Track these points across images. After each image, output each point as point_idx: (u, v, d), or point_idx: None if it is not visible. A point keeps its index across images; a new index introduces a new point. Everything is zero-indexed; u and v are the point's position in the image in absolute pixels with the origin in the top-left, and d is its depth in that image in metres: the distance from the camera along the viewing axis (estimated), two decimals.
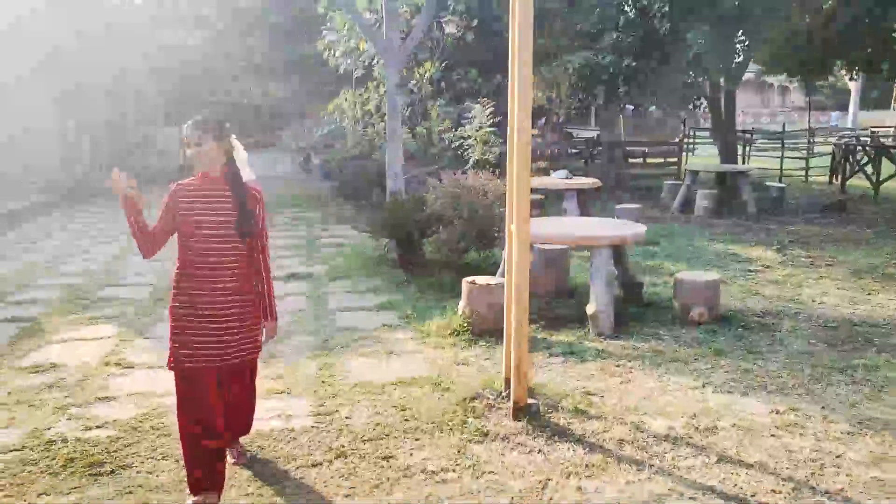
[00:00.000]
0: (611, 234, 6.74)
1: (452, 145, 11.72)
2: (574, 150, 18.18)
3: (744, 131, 19.70)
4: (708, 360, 5.48)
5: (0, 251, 9.98)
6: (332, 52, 14.09)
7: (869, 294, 7.46)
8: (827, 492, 3.52)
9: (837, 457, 3.88)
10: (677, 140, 18.90)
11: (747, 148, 19.85)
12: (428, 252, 8.67)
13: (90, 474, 3.75)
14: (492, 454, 3.94)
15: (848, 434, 4.15)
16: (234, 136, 3.48)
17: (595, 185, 11.50)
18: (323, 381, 5.06)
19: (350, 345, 5.93)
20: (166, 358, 3.43)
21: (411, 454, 3.95)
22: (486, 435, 4.16)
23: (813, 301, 7.20)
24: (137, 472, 3.76)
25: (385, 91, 10.86)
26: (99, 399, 4.74)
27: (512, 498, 3.49)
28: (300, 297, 7.54)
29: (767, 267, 8.87)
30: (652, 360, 5.49)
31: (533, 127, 21.68)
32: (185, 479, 3.47)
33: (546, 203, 12.00)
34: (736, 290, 7.68)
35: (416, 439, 4.13)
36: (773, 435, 4.15)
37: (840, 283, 7.91)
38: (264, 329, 3.64)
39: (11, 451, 4.01)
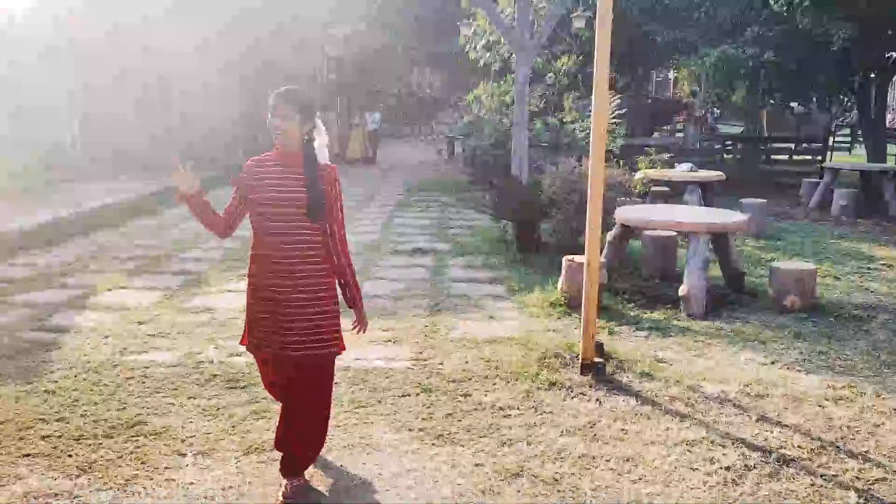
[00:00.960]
0: (709, 221, 7.09)
1: (579, 136, 12.18)
2: (716, 145, 18.01)
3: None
4: (785, 341, 5.78)
5: (179, 219, 11.46)
6: (473, 45, 14.88)
7: None
8: (850, 451, 3.89)
9: (875, 426, 4.20)
10: (822, 137, 18.27)
11: None
12: (544, 234, 9.25)
13: (228, 387, 4.71)
14: (554, 399, 4.56)
15: (894, 410, 4.43)
16: (318, 117, 3.35)
17: (719, 178, 11.61)
18: (426, 336, 5.84)
19: (457, 309, 6.67)
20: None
21: (486, 394, 4.64)
22: (553, 384, 4.77)
23: None
24: (263, 390, 4.67)
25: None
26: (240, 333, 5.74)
27: (561, 431, 4.10)
28: (421, 269, 8.36)
29: (889, 266, 8.78)
30: (731, 338, 5.86)
31: (669, 122, 21.54)
32: None
33: (671, 195, 12.20)
34: (844, 284, 7.76)
35: (494, 384, 4.81)
36: (819, 405, 4.50)
37: None
38: (353, 324, 3.46)
39: (171, 367, 5.05)
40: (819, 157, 17.20)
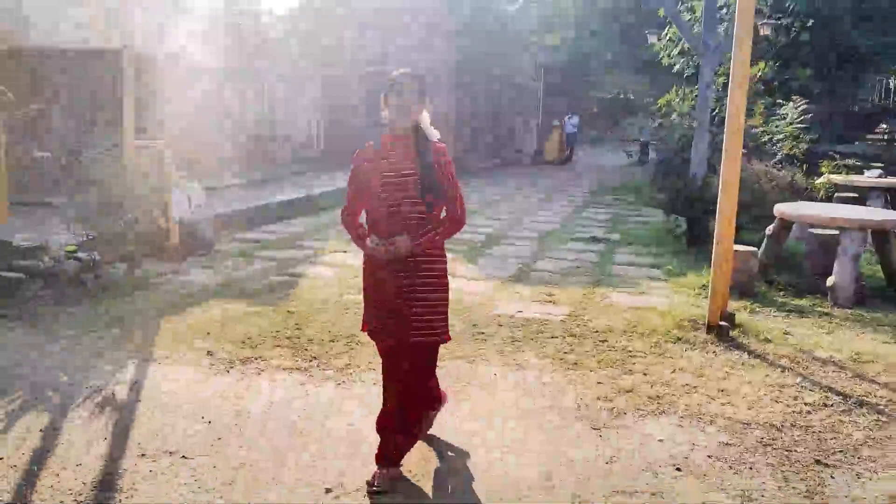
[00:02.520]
0: (863, 217, 7.53)
1: (766, 140, 12.53)
2: None
3: None
4: None
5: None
6: (667, 52, 15.52)
7: None
8: None
9: None
10: None
11: None
12: (710, 228, 9.90)
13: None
14: (677, 349, 5.49)
15: None
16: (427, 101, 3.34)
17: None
18: (582, 301, 6.90)
19: (615, 284, 7.66)
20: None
21: (621, 342, 5.65)
22: (679, 339, 5.69)
23: None
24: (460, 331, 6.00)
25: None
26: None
27: (675, 369, 5.05)
28: (593, 254, 9.39)
29: None
30: (866, 323, 6.39)
31: (869, 130, 20.59)
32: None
33: (858, 200, 12.20)
34: None
35: (630, 336, 5.80)
36: None
37: None
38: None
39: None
40: None
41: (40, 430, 3.91)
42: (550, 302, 6.84)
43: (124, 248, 7.44)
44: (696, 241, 9.79)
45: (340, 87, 19.52)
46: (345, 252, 8.92)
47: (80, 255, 6.83)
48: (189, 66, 12.53)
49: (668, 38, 15.06)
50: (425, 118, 3.31)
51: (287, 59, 17.29)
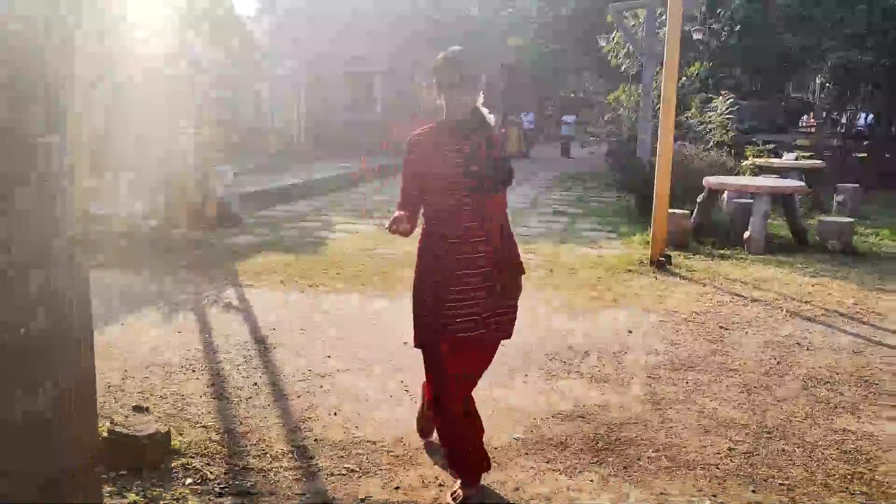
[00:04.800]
0: (770, 185, 9.54)
1: (697, 128, 14.58)
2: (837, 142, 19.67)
3: None
4: (811, 266, 8.19)
5: (373, 192, 15.03)
6: (615, 54, 17.52)
7: None
8: (796, 300, 6.46)
9: (827, 295, 6.72)
10: None
11: None
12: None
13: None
14: (629, 276, 7.40)
15: (846, 291, 6.90)
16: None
17: (817, 166, 13.67)
18: (554, 251, 8.77)
19: (579, 242, 9.56)
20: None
21: (587, 273, 7.52)
22: (630, 270, 7.60)
23: None
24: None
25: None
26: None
27: (627, 286, 6.94)
28: (559, 224, 11.29)
29: None
30: (771, 262, 8.37)
31: (796, 122, 23.02)
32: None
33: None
34: (891, 242, 9.88)
35: (593, 270, 7.68)
36: (801, 286, 7.05)
37: None
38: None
39: (390, 256, 8.30)
40: None
41: (196, 320, 5.62)
42: (530, 252, 8.68)
43: (176, 217, 9.09)
44: (644, 212, 11.72)
45: (323, 85, 21.24)
46: (354, 223, 10.66)
47: (151, 221, 8.47)
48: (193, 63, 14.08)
49: (615, 41, 17.05)
50: (479, 102, 3.03)
51: (276, 59, 18.90)
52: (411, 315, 3.12)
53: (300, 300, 6.35)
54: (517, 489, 3.27)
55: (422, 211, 3.07)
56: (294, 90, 20.94)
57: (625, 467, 3.49)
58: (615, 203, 13.07)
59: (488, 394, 4.15)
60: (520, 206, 13.20)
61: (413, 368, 4.76)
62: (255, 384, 4.41)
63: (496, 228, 3.06)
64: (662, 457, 3.60)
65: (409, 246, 7.20)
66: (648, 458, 3.59)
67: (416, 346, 3.14)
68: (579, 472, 3.44)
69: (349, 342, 5.26)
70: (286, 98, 20.27)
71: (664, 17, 14.13)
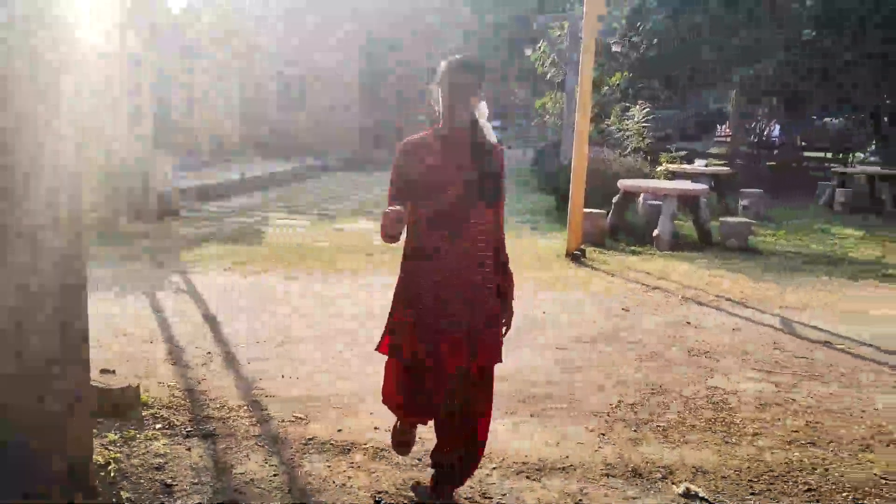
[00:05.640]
0: (678, 188, 10.44)
1: (616, 135, 15.54)
2: (750, 150, 21.04)
3: None
4: (711, 261, 9.08)
5: (312, 187, 15.49)
6: (542, 62, 18.40)
7: (880, 251, 10.44)
8: (695, 289, 7.29)
9: (720, 285, 7.58)
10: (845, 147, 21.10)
11: None
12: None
13: (367, 256, 8.44)
14: (551, 265, 8.13)
15: (737, 282, 7.78)
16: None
17: (727, 172, 14.78)
18: None
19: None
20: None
21: (515, 262, 8.19)
22: (550, 262, 8.33)
23: (838, 251, 10.34)
24: (392, 261, 8.39)
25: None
26: (369, 239, 9.52)
27: (549, 275, 7.65)
28: None
29: (841, 238, 11.83)
30: (676, 258, 9.22)
31: (710, 131, 24.41)
32: None
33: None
34: (789, 242, 10.89)
35: (520, 260, 8.33)
36: (700, 278, 7.89)
37: (867, 246, 10.88)
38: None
39: (326, 247, 8.83)
40: (837, 163, 19.99)
41: (149, 302, 6.06)
42: None
43: (120, 210, 9.42)
44: (564, 211, 12.49)
45: (257, 84, 21.53)
46: (291, 219, 11.13)
47: (93, 214, 8.79)
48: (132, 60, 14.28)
49: (542, 50, 17.93)
50: (483, 112, 2.94)
51: (210, 57, 19.11)
52: (387, 326, 3.10)
53: (247, 283, 6.85)
54: None
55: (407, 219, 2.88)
56: (227, 88, 21.14)
57: (532, 415, 4.14)
58: (539, 203, 13.86)
59: None
60: None
61: (354, 340, 5.34)
62: (209, 353, 4.92)
63: (492, 242, 2.98)
64: (565, 408, 4.28)
65: (346, 240, 7.88)
66: (553, 408, 4.26)
67: (404, 357, 3.02)
68: (496, 419, 4.07)
69: (294, 318, 5.80)
70: (219, 96, 20.46)
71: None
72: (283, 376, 4.57)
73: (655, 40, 17.73)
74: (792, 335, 5.89)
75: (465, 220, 2.86)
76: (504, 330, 3.06)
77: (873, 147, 22.07)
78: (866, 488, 3.44)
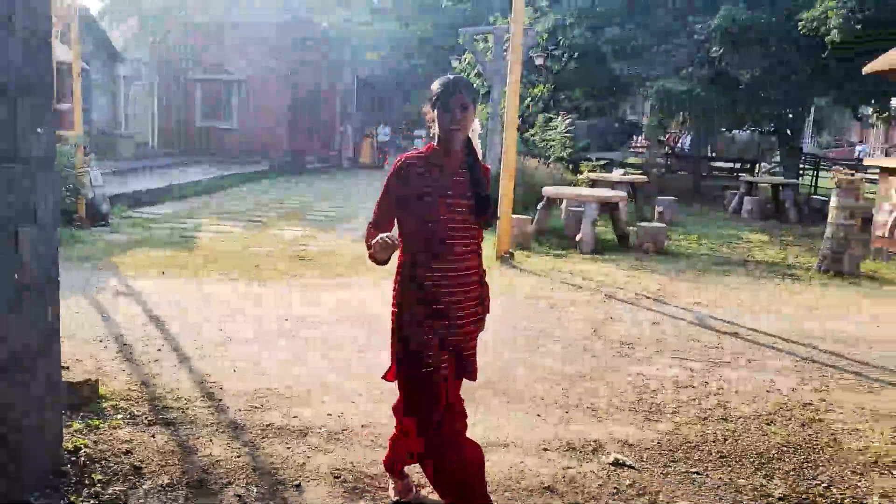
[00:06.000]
0: (598, 195, 11.01)
1: (539, 145, 16.13)
2: (663, 160, 22.06)
3: (812, 155, 22.68)
4: (629, 262, 9.64)
5: (239, 196, 15.50)
6: (467, 74, 18.88)
7: (783, 254, 11.24)
8: (617, 288, 7.78)
9: (638, 283, 8.10)
10: (751, 158, 22.35)
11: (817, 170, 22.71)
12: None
13: (300, 260, 8.63)
14: None
15: (653, 281, 8.32)
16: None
17: (644, 181, 15.52)
18: None
19: None
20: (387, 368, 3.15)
21: None
22: None
23: (745, 253, 11.07)
24: (326, 264, 8.61)
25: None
26: (301, 244, 9.70)
27: None
28: None
29: (748, 241, 12.63)
30: (597, 260, 9.74)
31: (628, 141, 25.47)
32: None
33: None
34: (700, 246, 11.60)
35: None
36: (617, 278, 8.40)
37: (771, 249, 11.68)
38: None
39: (261, 252, 8.99)
40: (744, 173, 21.19)
41: (91, 305, 6.13)
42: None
43: None
44: (494, 216, 12.98)
45: (180, 91, 21.33)
46: (222, 225, 11.20)
47: None
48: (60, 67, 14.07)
49: (466, 62, 18.40)
50: (476, 131, 3.05)
51: (132, 63, 18.87)
52: (393, 348, 3.02)
53: (185, 287, 6.97)
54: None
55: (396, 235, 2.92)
56: (149, 95, 20.91)
57: (476, 403, 4.47)
58: None
59: (374, 359, 5.04)
60: None
61: (296, 338, 5.57)
62: (160, 350, 5.07)
63: (479, 258, 3.04)
64: (503, 396, 4.62)
65: (280, 245, 8.08)
66: (493, 397, 4.60)
67: (408, 374, 2.95)
68: None
69: (237, 319, 5.98)
70: (141, 103, 20.22)
71: (509, 42, 15.62)
72: (234, 371, 4.77)
73: (576, 54, 18.44)
74: (704, 327, 6.42)
75: (461, 238, 2.89)
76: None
77: (777, 158, 23.44)
78: (769, 455, 3.90)
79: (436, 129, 2.90)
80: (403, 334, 2.94)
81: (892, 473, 3.71)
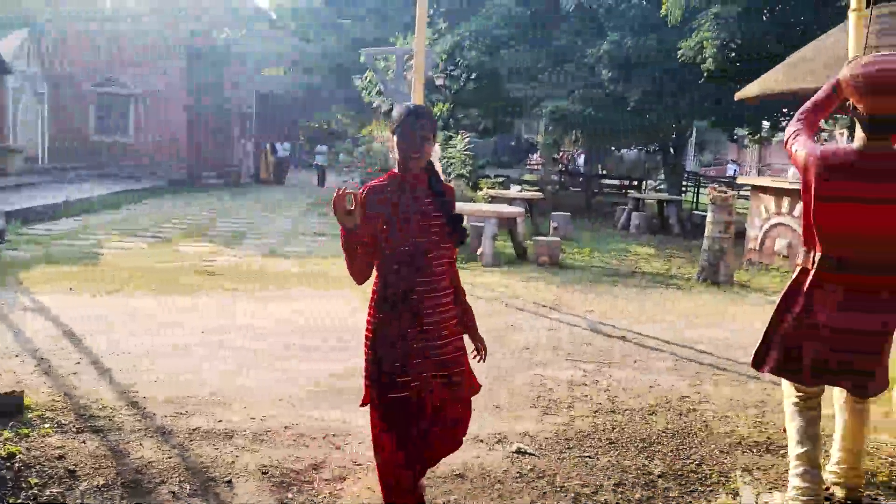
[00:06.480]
0: (497, 210, 11.57)
1: (444, 163, 16.65)
2: (557, 178, 23.06)
3: (694, 174, 24.25)
4: (527, 274, 10.20)
5: (138, 213, 15.27)
6: (368, 91, 19.26)
7: (667, 265, 12.10)
8: (515, 297, 8.29)
9: (535, 293, 8.64)
10: (638, 177, 23.69)
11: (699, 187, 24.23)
12: None
13: (210, 275, 8.75)
14: None
15: (548, 291, 8.89)
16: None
17: (539, 197, 16.27)
18: (323, 264, 9.98)
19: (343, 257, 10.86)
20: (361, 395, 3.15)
21: None
22: None
23: (633, 265, 11.86)
24: (235, 278, 8.74)
25: None
26: (208, 259, 9.78)
27: None
28: (322, 243, 12.53)
29: (636, 254, 13.47)
30: (499, 272, 10.26)
31: (522, 160, 26.47)
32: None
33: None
34: (593, 259, 12.32)
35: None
36: (520, 290, 8.93)
37: (656, 261, 12.55)
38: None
39: (175, 267, 9.05)
40: (633, 190, 22.43)
41: (4, 324, 6.12)
42: (300, 266, 9.85)
43: None
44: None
45: (69, 105, 20.74)
46: (124, 241, 11.11)
47: None
48: None
49: (368, 80, 18.78)
50: (436, 155, 3.29)
51: (21, 76, 18.28)
52: (368, 371, 3.06)
53: (94, 302, 7.01)
54: (327, 420, 4.47)
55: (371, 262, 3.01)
56: (39, 108, 20.25)
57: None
58: None
59: (290, 367, 5.32)
60: (284, 228, 14.27)
61: (211, 350, 5.77)
62: (78, 363, 5.18)
63: (457, 283, 3.15)
64: None
65: (186, 260, 8.29)
66: None
67: (381, 395, 3.00)
68: (347, 403, 4.71)
69: (151, 332, 6.12)
70: (30, 117, 19.56)
71: (410, 62, 16.08)
72: (154, 381, 4.94)
73: (473, 75, 19.12)
74: (596, 332, 6.99)
75: (431, 261, 2.95)
76: (483, 355, 3.31)
77: (662, 176, 24.88)
78: (651, 440, 4.41)
79: (396, 156, 2.99)
80: (378, 356, 2.97)
81: (752, 451, 4.29)
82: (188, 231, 12.71)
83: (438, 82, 17.69)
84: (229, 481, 3.61)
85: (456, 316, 3.10)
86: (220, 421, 4.33)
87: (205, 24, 21.97)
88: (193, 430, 4.17)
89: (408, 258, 2.92)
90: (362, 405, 3.15)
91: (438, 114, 19.04)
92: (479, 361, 3.26)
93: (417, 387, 2.93)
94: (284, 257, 10.48)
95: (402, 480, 3.08)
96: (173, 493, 3.47)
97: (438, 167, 3.20)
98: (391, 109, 18.93)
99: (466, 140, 16.09)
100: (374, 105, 19.08)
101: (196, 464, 3.76)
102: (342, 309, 7.35)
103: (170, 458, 3.80)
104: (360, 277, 3.02)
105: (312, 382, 5.11)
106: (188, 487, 3.52)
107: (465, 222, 3.22)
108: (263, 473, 3.72)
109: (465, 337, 3.19)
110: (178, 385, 4.90)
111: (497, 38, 19.78)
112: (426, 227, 2.95)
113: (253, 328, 6.48)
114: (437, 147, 3.21)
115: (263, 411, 4.54)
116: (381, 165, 18.34)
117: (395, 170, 3.03)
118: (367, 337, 3.04)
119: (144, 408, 4.45)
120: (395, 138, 2.96)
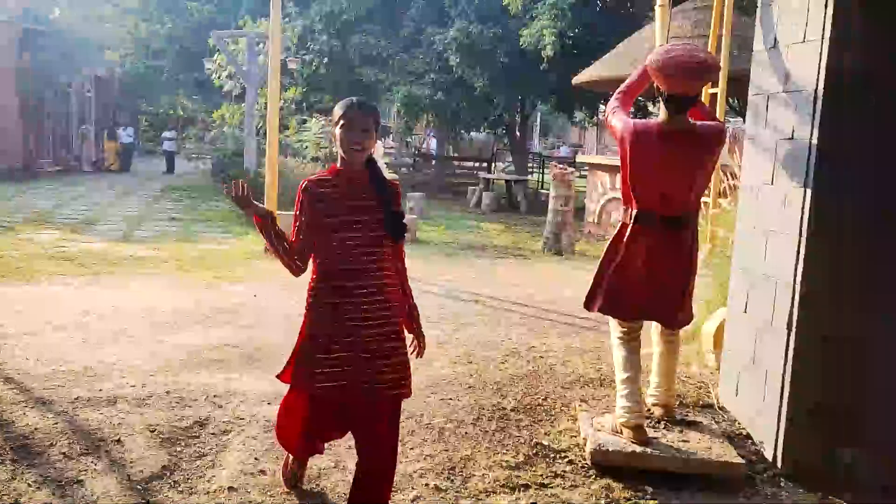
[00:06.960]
0: None
1: (295, 145, 16.77)
2: (411, 160, 23.65)
3: (539, 155, 25.64)
4: None
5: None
6: (219, 75, 18.95)
7: (515, 238, 12.93)
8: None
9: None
10: (487, 158, 24.75)
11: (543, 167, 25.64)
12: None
13: (67, 261, 8.60)
14: (246, 262, 9.01)
15: (414, 266, 9.39)
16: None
17: (393, 179, 16.74)
18: (178, 248, 9.98)
19: (199, 240, 10.87)
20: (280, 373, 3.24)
21: (212, 260, 8.94)
22: (247, 258, 9.23)
23: (484, 240, 12.58)
24: (92, 264, 8.63)
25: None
26: (60, 246, 9.57)
27: (245, 269, 8.55)
28: (176, 227, 12.42)
29: (487, 230, 14.24)
30: None
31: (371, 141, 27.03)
32: None
33: None
34: (446, 235, 12.94)
35: (217, 258, 9.12)
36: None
37: (506, 235, 13.37)
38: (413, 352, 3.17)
39: (28, 255, 8.82)
40: (483, 171, 23.41)
41: None
42: (156, 250, 9.82)
43: None
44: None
45: None
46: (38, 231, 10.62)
47: None
48: None
49: (218, 64, 18.50)
50: (379, 151, 3.22)
51: None
52: (294, 356, 3.13)
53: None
54: (205, 384, 4.72)
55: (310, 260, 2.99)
56: None
57: (268, 371, 5.13)
58: (224, 210, 14.54)
59: (160, 345, 5.50)
60: (133, 213, 13.98)
61: (80, 329, 5.85)
62: None
63: (404, 279, 3.14)
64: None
65: (38, 248, 8.32)
66: (280, 365, 5.28)
67: (297, 388, 3.18)
68: (239, 375, 5.00)
69: (16, 315, 6.09)
70: None
71: (261, 46, 16.06)
72: (27, 359, 5.01)
73: (325, 59, 19.29)
74: (452, 298, 7.57)
75: (373, 257, 2.93)
76: (421, 351, 3.23)
77: (510, 157, 26.05)
78: (503, 383, 5.00)
79: (338, 150, 2.96)
80: (308, 346, 3.02)
81: (589, 386, 4.98)
82: (32, 220, 12.21)
83: (291, 66, 17.73)
84: (119, 440, 3.84)
85: (395, 312, 3.02)
86: (101, 390, 4.50)
87: (37, 4, 20.75)
88: (75, 399, 4.33)
89: (342, 254, 2.90)
90: (281, 380, 3.24)
91: (291, 97, 19.09)
92: (416, 356, 3.21)
93: (342, 385, 2.93)
94: (136, 243, 10.39)
95: (295, 441, 3.37)
96: (64, 453, 3.66)
97: (382, 164, 3.29)
98: (243, 93, 18.78)
99: (321, 124, 16.28)
100: (225, 89, 18.83)
101: (84, 427, 3.95)
102: (203, 289, 7.52)
103: (56, 424, 3.97)
104: (295, 271, 2.99)
105: (186, 354, 5.33)
106: (79, 448, 3.73)
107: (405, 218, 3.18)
108: (151, 431, 3.97)
109: (406, 333, 3.14)
110: (52, 362, 4.98)
111: (347, 23, 20.01)
112: (364, 223, 2.91)
113: (116, 309, 6.54)
114: (379, 144, 3.09)
115: (143, 379, 4.74)
116: (234, 150, 18.21)
117: (337, 165, 3.01)
118: (302, 325, 3.09)
119: (21, 382, 4.54)
120: (337, 132, 2.93)
